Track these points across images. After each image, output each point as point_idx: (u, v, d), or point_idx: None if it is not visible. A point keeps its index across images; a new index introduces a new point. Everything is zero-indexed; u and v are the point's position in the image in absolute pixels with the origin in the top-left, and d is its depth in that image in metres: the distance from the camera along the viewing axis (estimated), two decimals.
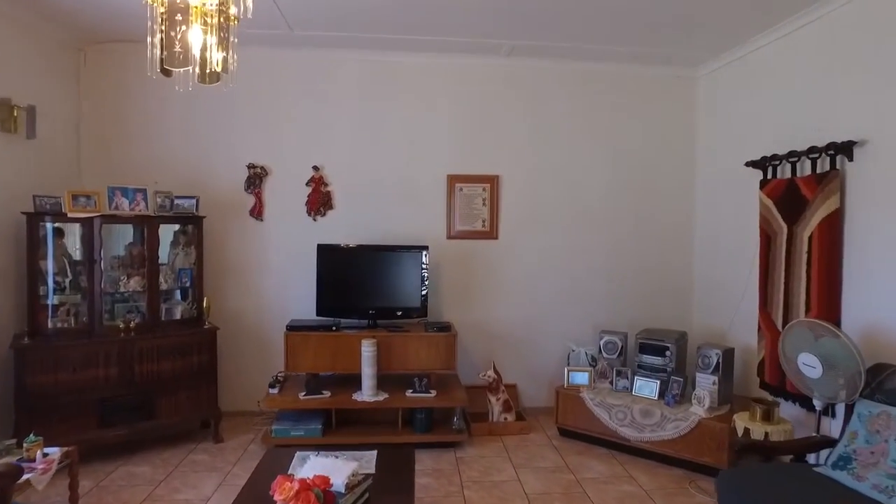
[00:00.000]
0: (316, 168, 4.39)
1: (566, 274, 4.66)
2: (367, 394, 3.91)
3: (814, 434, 2.99)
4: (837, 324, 3.13)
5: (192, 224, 3.99)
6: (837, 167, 3.16)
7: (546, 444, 4.07)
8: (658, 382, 3.92)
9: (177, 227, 4.00)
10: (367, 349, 3.89)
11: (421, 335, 4.08)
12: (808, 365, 2.85)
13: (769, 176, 3.70)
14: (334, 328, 4.05)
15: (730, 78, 4.25)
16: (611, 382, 4.15)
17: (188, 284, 4.01)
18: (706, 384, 3.72)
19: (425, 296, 4.23)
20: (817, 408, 2.97)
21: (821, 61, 3.33)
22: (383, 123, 4.46)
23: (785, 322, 3.51)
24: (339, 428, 3.93)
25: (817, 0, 3.20)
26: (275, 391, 3.97)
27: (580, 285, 4.68)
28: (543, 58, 4.46)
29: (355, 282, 4.20)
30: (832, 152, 3.16)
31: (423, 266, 4.22)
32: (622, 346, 4.23)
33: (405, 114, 4.48)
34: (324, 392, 3.91)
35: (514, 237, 4.62)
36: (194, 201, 3.93)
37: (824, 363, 2.77)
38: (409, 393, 3.99)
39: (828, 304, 3.20)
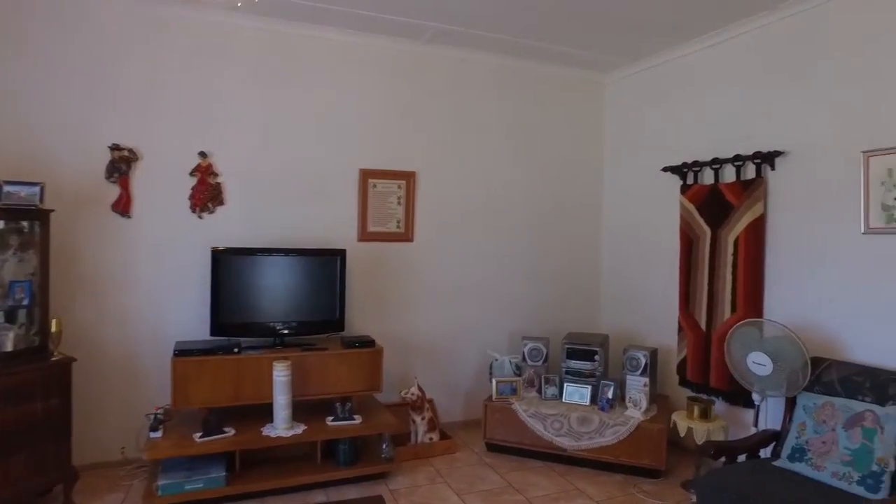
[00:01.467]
0: (203, 154, 3.64)
1: (483, 279, 4.53)
2: (282, 427, 3.32)
3: (754, 429, 3.21)
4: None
5: (32, 220, 3.01)
6: (762, 175, 3.46)
7: (478, 462, 3.86)
8: (589, 388, 3.95)
9: (2, 223, 2.99)
10: (281, 373, 3.31)
11: (341, 353, 3.60)
12: (758, 363, 3.04)
13: (689, 181, 3.96)
14: (237, 350, 3.38)
15: (645, 84, 4.47)
16: (539, 391, 4.10)
17: (25, 302, 3.02)
18: (637, 386, 3.84)
19: (343, 307, 3.76)
20: (756, 403, 3.20)
21: (744, 74, 3.63)
22: (287, 106, 3.88)
23: (709, 322, 3.77)
24: (246, 471, 3.28)
25: (750, 15, 3.48)
26: (157, 435, 3.17)
27: (496, 291, 4.58)
28: (466, 49, 4.27)
29: (260, 293, 3.56)
30: (758, 161, 3.46)
31: (341, 273, 3.75)
32: (546, 353, 4.21)
33: (313, 97, 3.94)
34: (226, 430, 3.24)
35: (430, 239, 4.34)
36: (37, 189, 2.96)
37: (774, 360, 2.98)
38: (330, 421, 3.49)
39: (753, 304, 3.49)
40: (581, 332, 4.43)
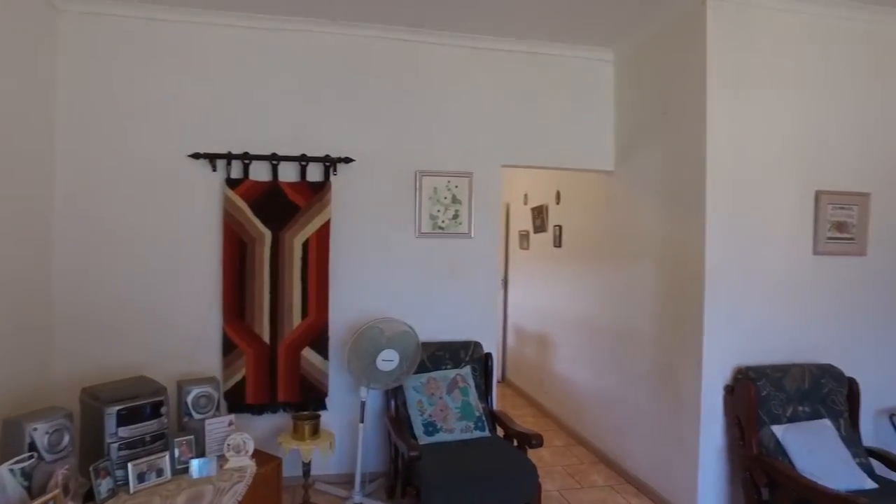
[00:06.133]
0: None
1: None
2: None
3: (361, 425, 3.45)
4: (327, 324, 3.65)
5: None
6: (330, 179, 3.63)
7: None
8: (166, 455, 2.86)
9: None
10: None
11: None
12: (387, 360, 3.33)
13: (236, 175, 3.49)
14: None
15: (146, 36, 3.40)
16: (87, 494, 2.57)
17: None
18: (223, 428, 3.13)
19: None
20: (363, 398, 3.45)
21: (309, 75, 3.65)
22: None
23: (273, 333, 3.55)
24: None
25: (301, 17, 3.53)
26: None
27: None
28: None
29: None
30: (328, 164, 3.60)
31: None
32: (71, 430, 2.66)
33: None
34: None
35: None
36: None
37: (400, 354, 3.36)
38: None
39: (323, 307, 3.63)
40: (102, 382, 2.98)
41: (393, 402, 3.54)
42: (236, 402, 3.54)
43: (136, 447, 2.82)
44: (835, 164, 3.28)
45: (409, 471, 3.07)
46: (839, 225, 3.25)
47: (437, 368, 3.66)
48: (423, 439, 3.34)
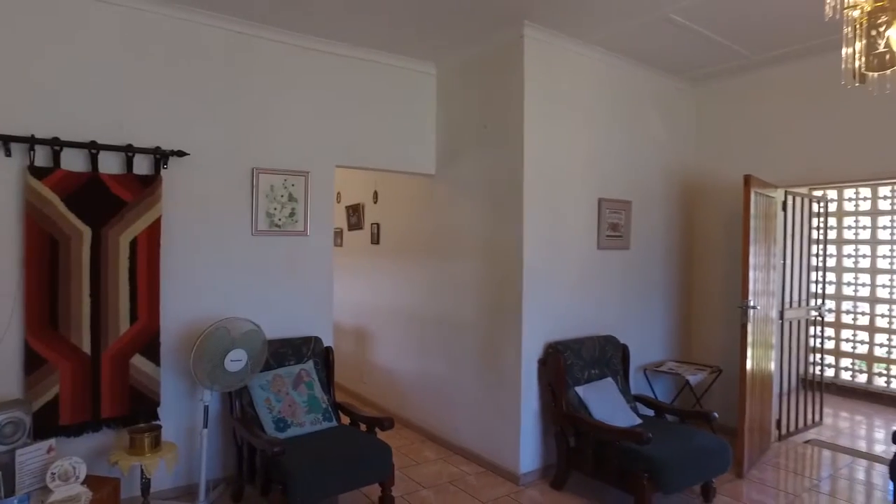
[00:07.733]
0: None
1: None
2: None
3: (205, 430, 3.26)
4: (158, 329, 3.37)
5: None
6: (160, 172, 3.33)
7: None
8: None
9: None
10: None
11: None
12: (236, 360, 3.22)
13: (42, 163, 2.99)
14: None
15: None
16: None
17: None
18: (39, 456, 2.71)
19: None
20: (206, 403, 3.27)
21: (131, 59, 3.25)
22: None
23: (95, 343, 3.15)
24: None
25: None
26: None
27: None
28: None
29: None
30: (159, 157, 3.30)
31: None
32: None
33: None
34: None
35: None
36: None
37: (248, 353, 3.26)
38: None
39: (155, 309, 3.33)
40: None
41: (238, 403, 3.44)
42: (47, 424, 3.05)
43: None
44: (610, 177, 4.18)
45: (270, 468, 3.05)
46: (613, 225, 4.16)
47: (281, 365, 3.65)
48: (277, 435, 3.32)
